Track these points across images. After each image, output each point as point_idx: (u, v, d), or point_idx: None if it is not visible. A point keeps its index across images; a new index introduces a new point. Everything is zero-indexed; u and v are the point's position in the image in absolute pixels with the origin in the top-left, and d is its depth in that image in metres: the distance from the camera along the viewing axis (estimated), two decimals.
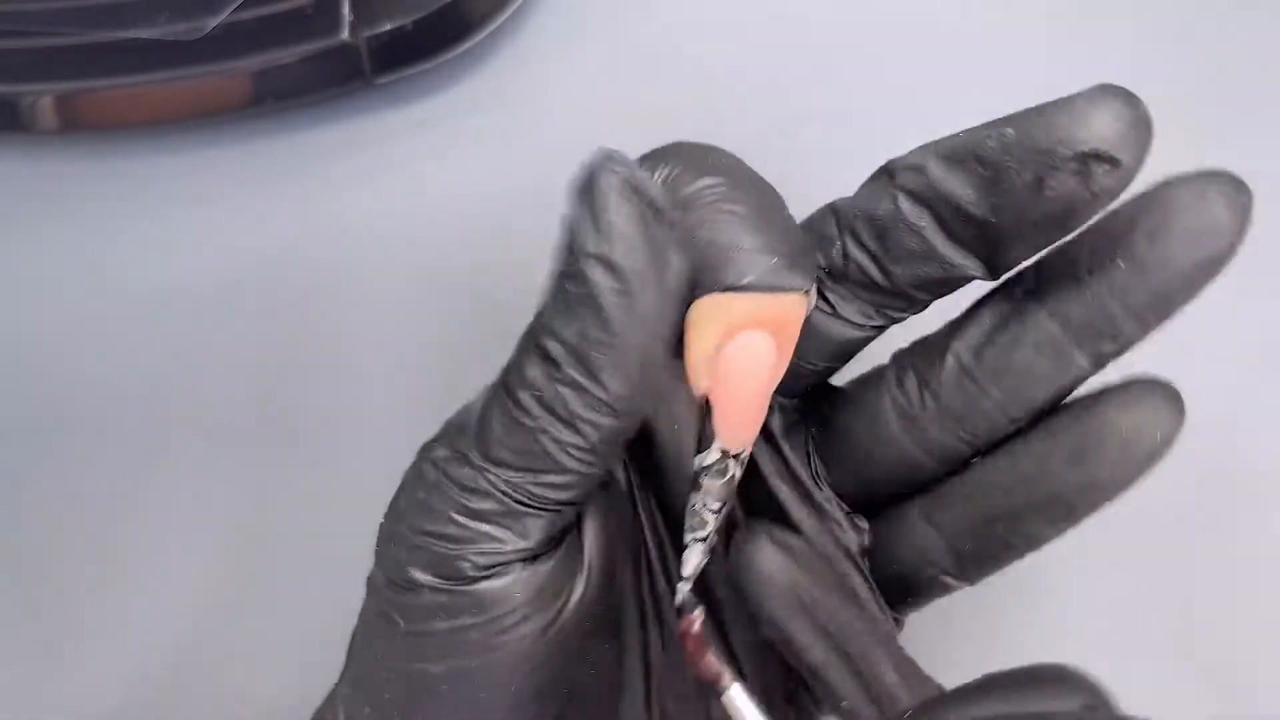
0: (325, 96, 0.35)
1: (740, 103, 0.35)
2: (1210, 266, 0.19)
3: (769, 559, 0.20)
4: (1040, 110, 0.18)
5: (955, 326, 0.22)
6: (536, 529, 0.20)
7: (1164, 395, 0.20)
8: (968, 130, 0.19)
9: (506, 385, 0.19)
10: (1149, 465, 0.20)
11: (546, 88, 0.36)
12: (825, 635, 0.20)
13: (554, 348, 0.18)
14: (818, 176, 0.33)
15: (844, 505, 0.23)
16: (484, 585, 0.20)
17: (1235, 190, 0.19)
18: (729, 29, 0.36)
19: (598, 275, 0.18)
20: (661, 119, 0.35)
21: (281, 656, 0.31)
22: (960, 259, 0.20)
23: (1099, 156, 0.18)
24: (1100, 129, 0.17)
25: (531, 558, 0.20)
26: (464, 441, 0.20)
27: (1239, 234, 0.19)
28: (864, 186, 0.21)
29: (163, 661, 0.32)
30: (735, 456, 0.21)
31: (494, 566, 0.20)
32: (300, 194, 0.35)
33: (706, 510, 0.21)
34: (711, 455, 0.20)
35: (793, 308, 0.20)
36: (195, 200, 0.36)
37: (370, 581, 0.21)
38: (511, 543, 0.20)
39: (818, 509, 0.23)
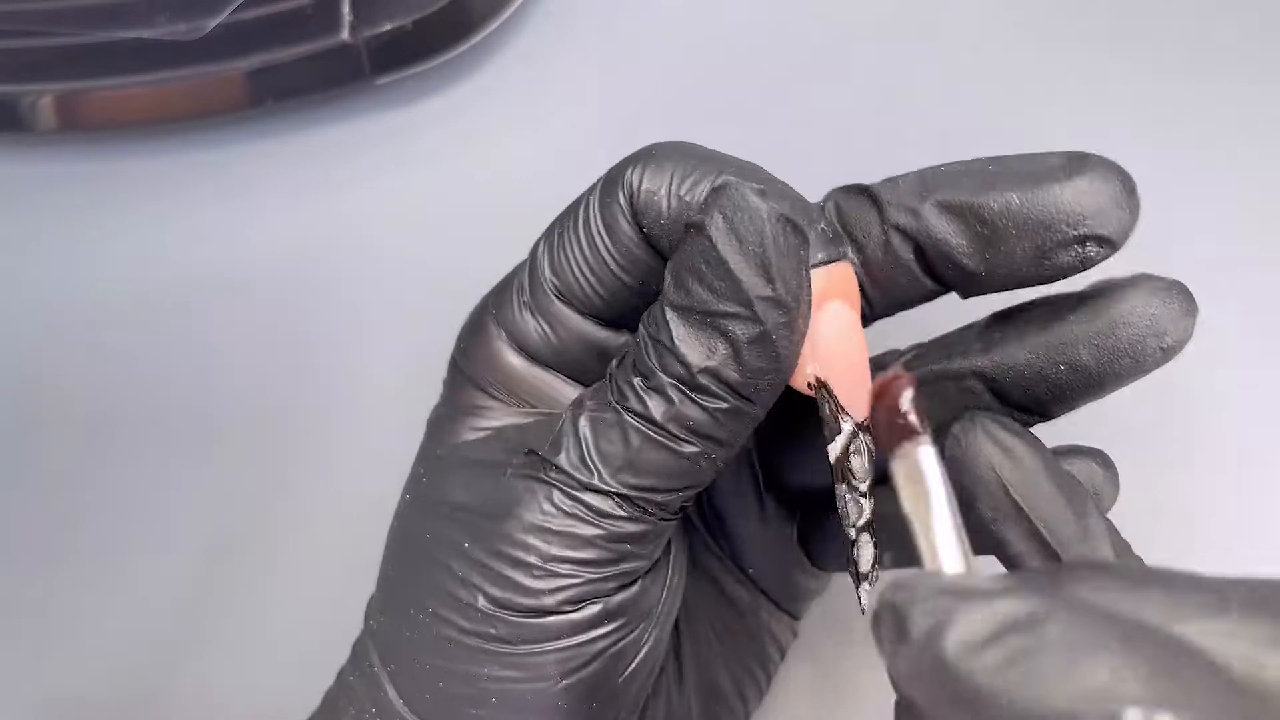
0: (325, 96, 0.35)
1: (738, 101, 0.35)
2: (1146, 371, 0.19)
3: (983, 462, 0.19)
4: (1042, 178, 0.18)
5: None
6: (663, 539, 0.20)
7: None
8: (964, 174, 0.19)
9: (646, 417, 0.19)
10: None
11: (546, 88, 0.36)
12: (1037, 539, 0.19)
13: (710, 383, 0.19)
14: (815, 173, 0.33)
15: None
16: (617, 599, 0.20)
17: (1182, 303, 0.19)
18: (727, 28, 0.36)
19: (772, 316, 0.18)
20: (660, 118, 0.35)
21: (270, 657, 0.31)
22: (935, 287, 0.21)
23: (1099, 239, 0.18)
24: (1102, 213, 0.18)
25: (654, 564, 0.21)
26: (600, 466, 0.19)
27: (1182, 342, 0.19)
28: (846, 206, 0.21)
29: (145, 660, 0.32)
30: (865, 428, 0.20)
31: (631, 584, 0.20)
32: (300, 194, 0.35)
33: (859, 495, 0.20)
34: (845, 434, 0.20)
35: (851, 272, 0.20)
36: (195, 200, 0.36)
37: (454, 602, 0.20)
38: (647, 558, 0.20)
39: None
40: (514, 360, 0.22)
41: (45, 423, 0.34)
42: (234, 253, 0.35)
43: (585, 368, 0.22)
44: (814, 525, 0.26)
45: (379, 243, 0.35)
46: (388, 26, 0.33)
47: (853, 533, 0.20)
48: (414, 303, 0.34)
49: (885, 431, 0.18)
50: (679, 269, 0.19)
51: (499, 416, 0.22)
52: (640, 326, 0.20)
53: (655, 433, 0.19)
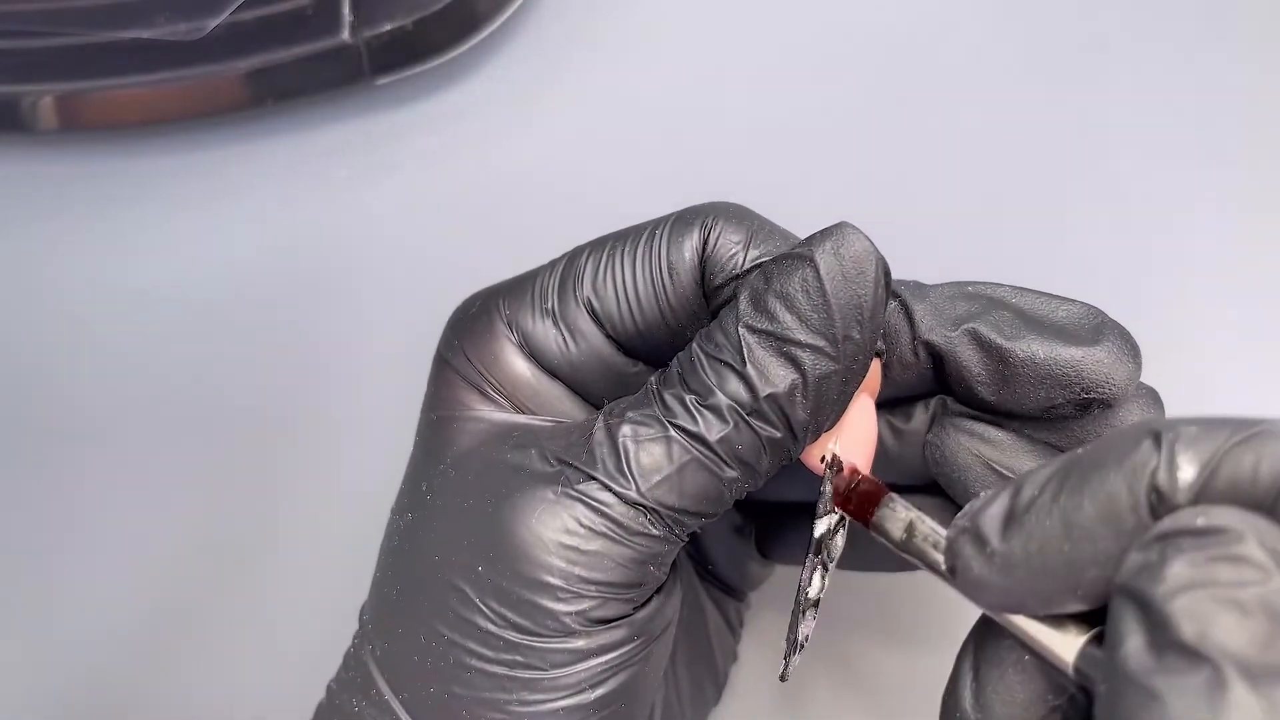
0: (325, 96, 0.35)
1: (739, 103, 0.35)
2: None
3: (962, 450, 0.21)
4: (1067, 339, 0.20)
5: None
6: (674, 557, 0.21)
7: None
8: (996, 304, 0.21)
9: (696, 436, 0.19)
10: None
11: (546, 88, 0.36)
12: None
13: (770, 410, 0.19)
14: (816, 174, 0.33)
15: None
16: (637, 616, 0.20)
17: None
18: (728, 30, 0.36)
19: (848, 358, 0.19)
20: (660, 120, 0.35)
21: (270, 658, 0.31)
22: (938, 390, 0.22)
23: (1102, 401, 0.20)
24: (1112, 381, 0.20)
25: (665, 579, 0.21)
26: (638, 478, 0.19)
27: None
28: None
29: (145, 659, 0.32)
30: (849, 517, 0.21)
31: (647, 601, 0.20)
32: (300, 194, 0.35)
33: (825, 572, 0.21)
34: (835, 517, 0.21)
35: (879, 371, 0.21)
36: (195, 200, 0.36)
37: (471, 629, 0.20)
38: (664, 577, 0.20)
39: None
40: (520, 365, 0.22)
41: (44, 421, 0.34)
42: (234, 252, 0.35)
43: (590, 387, 0.22)
44: (767, 527, 0.27)
45: (379, 242, 0.35)
46: (388, 26, 0.33)
47: (804, 605, 0.21)
48: (414, 303, 0.34)
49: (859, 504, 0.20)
50: (764, 295, 0.19)
51: (498, 419, 0.22)
52: (694, 345, 0.20)
53: (703, 453, 0.19)
